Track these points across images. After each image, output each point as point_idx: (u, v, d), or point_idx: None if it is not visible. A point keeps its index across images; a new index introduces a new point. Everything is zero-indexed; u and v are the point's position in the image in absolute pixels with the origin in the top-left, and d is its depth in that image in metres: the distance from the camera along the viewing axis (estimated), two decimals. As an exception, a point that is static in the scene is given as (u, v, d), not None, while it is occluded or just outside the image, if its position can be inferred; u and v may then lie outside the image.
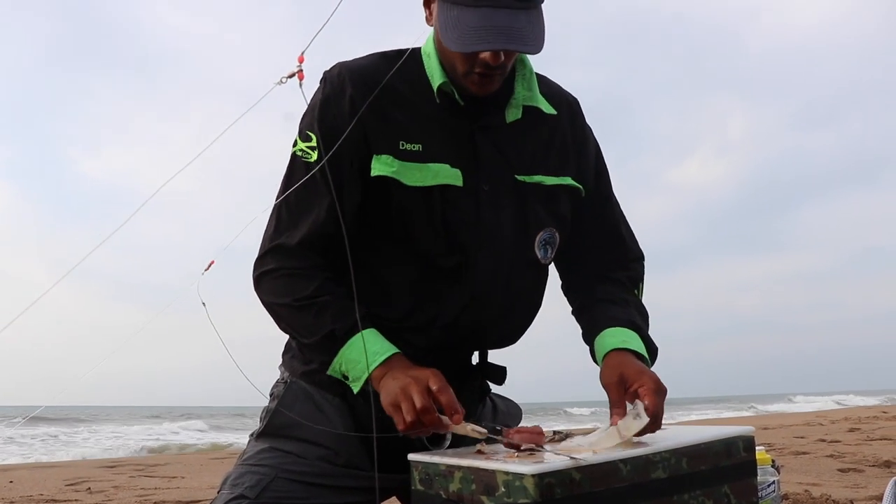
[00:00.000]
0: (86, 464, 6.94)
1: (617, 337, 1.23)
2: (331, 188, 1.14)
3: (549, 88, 1.32)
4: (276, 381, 1.33)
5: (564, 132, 1.30)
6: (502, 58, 1.11)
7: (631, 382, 1.12)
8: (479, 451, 1.03)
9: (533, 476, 0.86)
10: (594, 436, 1.08)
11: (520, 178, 1.23)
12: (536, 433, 1.01)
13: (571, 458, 0.90)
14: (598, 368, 1.23)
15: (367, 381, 1.11)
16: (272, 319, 1.23)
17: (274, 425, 1.25)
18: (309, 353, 1.22)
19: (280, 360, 1.36)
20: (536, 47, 1.11)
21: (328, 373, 1.16)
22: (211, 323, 1.22)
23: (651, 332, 1.29)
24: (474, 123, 1.21)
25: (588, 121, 1.37)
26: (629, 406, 1.10)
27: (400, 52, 1.23)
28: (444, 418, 1.04)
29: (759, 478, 1.15)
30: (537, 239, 1.25)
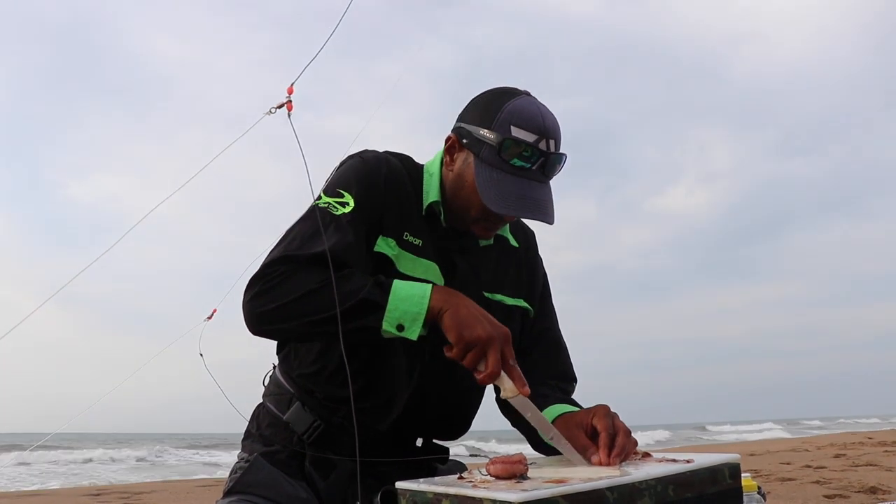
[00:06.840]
0: (71, 492, 6.79)
1: (555, 410, 1.28)
2: (354, 234, 1.21)
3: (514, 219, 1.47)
4: (237, 461, 1.36)
5: (521, 260, 1.48)
6: (517, 218, 1.32)
7: (584, 422, 1.17)
8: (461, 479, 1.02)
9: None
10: (580, 465, 1.07)
11: (486, 294, 1.38)
12: (517, 461, 1.01)
13: (558, 485, 0.89)
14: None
15: (427, 313, 1.10)
16: (282, 328, 1.16)
17: (243, 482, 1.29)
18: (337, 328, 1.10)
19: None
20: (553, 218, 1.26)
21: (383, 330, 1.11)
22: (208, 372, 1.26)
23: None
24: (453, 243, 1.35)
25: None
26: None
27: (410, 160, 1.40)
28: (508, 383, 1.09)
29: (745, 505, 1.15)
30: None
